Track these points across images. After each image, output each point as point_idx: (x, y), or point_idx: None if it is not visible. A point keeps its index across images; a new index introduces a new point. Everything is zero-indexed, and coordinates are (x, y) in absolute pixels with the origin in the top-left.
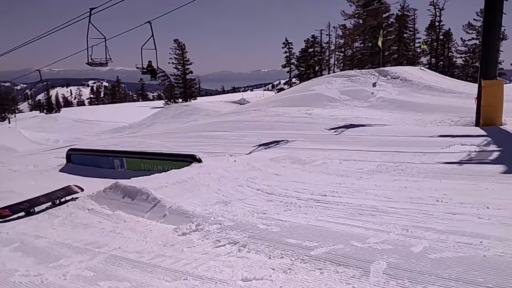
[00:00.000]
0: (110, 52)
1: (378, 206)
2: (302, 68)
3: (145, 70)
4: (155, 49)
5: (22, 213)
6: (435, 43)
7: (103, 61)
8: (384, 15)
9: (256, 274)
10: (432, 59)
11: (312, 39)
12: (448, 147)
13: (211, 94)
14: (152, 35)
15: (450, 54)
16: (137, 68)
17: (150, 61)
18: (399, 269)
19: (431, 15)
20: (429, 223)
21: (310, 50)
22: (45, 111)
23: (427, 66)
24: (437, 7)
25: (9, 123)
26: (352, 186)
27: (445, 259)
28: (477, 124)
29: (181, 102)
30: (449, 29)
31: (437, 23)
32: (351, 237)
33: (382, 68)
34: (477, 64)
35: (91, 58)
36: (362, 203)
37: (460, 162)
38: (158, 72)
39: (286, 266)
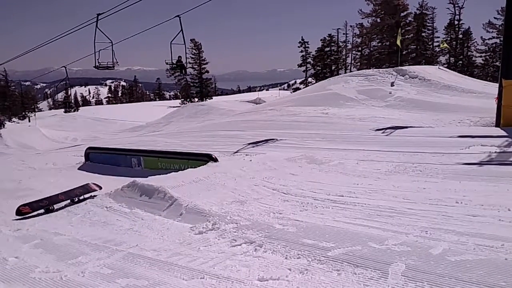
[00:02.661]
0: (128, 53)
1: (396, 207)
2: (318, 67)
3: (175, 66)
4: (184, 43)
5: (42, 210)
6: (454, 42)
7: (110, 64)
8: (402, 14)
9: (273, 274)
10: (451, 59)
11: (329, 38)
12: (468, 147)
13: (226, 94)
14: (181, 30)
15: (469, 53)
16: (166, 63)
17: (179, 57)
18: (418, 271)
19: (450, 13)
20: (449, 225)
21: (327, 49)
22: (72, 109)
23: (445, 65)
24: (456, 5)
25: (29, 121)
26: (370, 187)
27: (465, 262)
28: (497, 124)
29: (197, 101)
30: (469, 27)
31: (456, 22)
32: (369, 238)
33: (400, 67)
34: (497, 63)
35: (98, 62)
36: (380, 204)
37: (480, 163)
38: (187, 67)
39: (303, 266)
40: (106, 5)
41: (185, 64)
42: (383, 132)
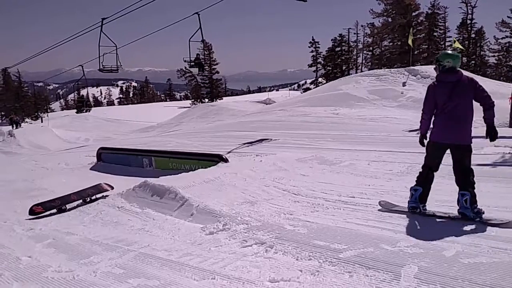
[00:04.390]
0: (139, 54)
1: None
2: (329, 68)
3: (193, 64)
4: (202, 41)
5: (54, 210)
6: (466, 42)
7: (114, 67)
8: (413, 14)
9: (284, 276)
10: (464, 58)
11: (340, 38)
12: (481, 148)
13: (237, 94)
14: (200, 27)
15: (482, 53)
16: (185, 61)
17: (198, 54)
18: (431, 274)
19: (462, 13)
20: (462, 226)
21: (338, 49)
22: (88, 108)
23: None
24: (469, 4)
25: (42, 122)
26: (382, 188)
27: (479, 264)
28: (511, 125)
29: (207, 102)
30: (482, 27)
31: (469, 21)
32: (380, 240)
33: (412, 67)
34: (511, 63)
35: (102, 65)
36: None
37: (494, 164)
38: (205, 65)
39: (314, 268)
40: (112, 9)
41: (203, 62)
42: (417, 133)
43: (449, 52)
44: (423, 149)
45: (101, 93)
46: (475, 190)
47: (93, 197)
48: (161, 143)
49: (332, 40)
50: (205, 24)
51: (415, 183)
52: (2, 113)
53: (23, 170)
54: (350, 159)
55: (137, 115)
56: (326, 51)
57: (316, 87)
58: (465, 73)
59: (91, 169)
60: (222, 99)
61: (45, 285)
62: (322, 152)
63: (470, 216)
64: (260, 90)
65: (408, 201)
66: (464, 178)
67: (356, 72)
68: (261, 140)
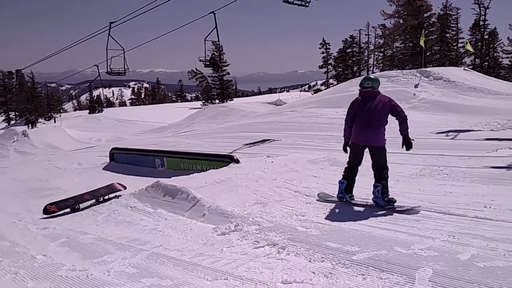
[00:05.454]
0: (151, 56)
1: (422, 212)
2: (339, 69)
3: (208, 63)
4: (218, 40)
5: (68, 210)
6: (479, 43)
7: (121, 70)
8: (425, 15)
9: (296, 277)
10: (477, 60)
11: (351, 39)
12: (495, 151)
13: (247, 95)
14: (216, 26)
15: (495, 54)
16: (200, 60)
17: (213, 54)
18: (445, 277)
19: (475, 14)
20: (477, 230)
21: (348, 50)
22: (102, 107)
23: (471, 66)
24: (482, 5)
25: (55, 122)
26: (394, 190)
27: (495, 268)
28: None
29: (218, 103)
30: (495, 28)
31: (481, 22)
32: (394, 243)
33: (424, 69)
34: None
35: (110, 68)
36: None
37: (509, 167)
38: (220, 65)
39: (327, 270)
40: (119, 13)
41: (218, 62)
42: (446, 135)
43: (371, 76)
44: (437, 152)
45: (113, 94)
46: (388, 183)
47: (106, 197)
48: (172, 144)
49: (343, 41)
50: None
51: (342, 177)
52: (16, 113)
53: (37, 169)
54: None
55: (148, 116)
56: (337, 52)
57: (326, 88)
58: (478, 74)
59: (104, 169)
60: (232, 100)
61: (59, 284)
62: (333, 154)
63: (381, 204)
64: (270, 91)
65: (337, 193)
66: (380, 173)
67: (367, 74)
68: (263, 141)
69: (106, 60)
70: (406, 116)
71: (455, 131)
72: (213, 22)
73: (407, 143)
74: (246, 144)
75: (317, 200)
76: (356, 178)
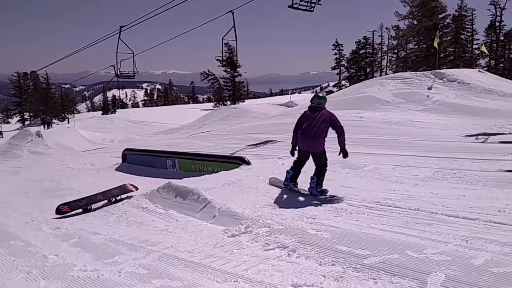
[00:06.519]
0: (163, 57)
1: (435, 215)
2: (352, 70)
3: (225, 62)
4: (236, 39)
5: (80, 210)
6: (495, 44)
7: (130, 73)
8: (440, 16)
9: (307, 280)
10: (492, 61)
11: (364, 41)
12: (510, 154)
13: (259, 97)
14: (234, 25)
15: (511, 55)
16: (217, 59)
17: (230, 53)
18: (458, 282)
19: (491, 15)
20: (491, 234)
21: (362, 51)
22: (114, 110)
23: (486, 68)
24: (498, 6)
25: (68, 123)
26: (407, 193)
27: (509, 274)
28: None
29: (229, 104)
30: (511, 29)
31: (497, 23)
32: (406, 247)
33: (438, 71)
34: None
35: (120, 71)
36: (418, 211)
37: None
38: (238, 65)
39: (338, 274)
40: (129, 16)
41: (236, 62)
42: (476, 139)
43: (319, 95)
44: (451, 154)
45: (126, 95)
46: (323, 178)
47: (118, 198)
48: (184, 145)
49: (356, 42)
50: (228, 27)
51: (290, 168)
52: (31, 114)
53: (51, 170)
54: (374, 163)
55: (161, 117)
56: (350, 53)
57: (339, 90)
58: (493, 76)
59: (116, 169)
60: (244, 101)
61: (71, 284)
62: None
63: (314, 193)
64: (282, 92)
65: (284, 180)
66: (318, 170)
67: (381, 75)
68: (265, 142)
69: (116, 63)
70: (343, 130)
71: (483, 134)
72: (230, 21)
73: (344, 153)
74: (256, 145)
75: (268, 184)
76: (365, 180)
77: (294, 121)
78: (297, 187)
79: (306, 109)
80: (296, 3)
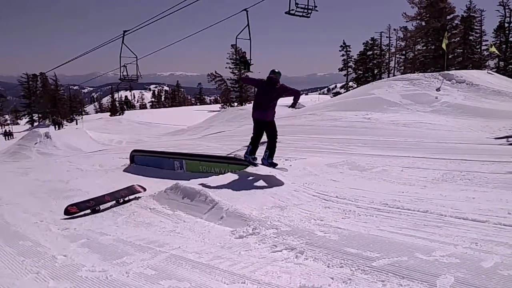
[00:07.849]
0: (171, 59)
1: (444, 217)
2: (360, 71)
3: (239, 62)
4: (250, 39)
5: (88, 211)
6: (504, 46)
7: (133, 77)
8: (448, 17)
9: (315, 283)
10: (501, 63)
11: (372, 42)
12: None
13: None
14: (248, 24)
15: None
16: (230, 58)
17: (244, 52)
18: (468, 285)
19: (500, 16)
20: (501, 237)
21: (369, 53)
22: (121, 112)
23: (495, 70)
24: (507, 7)
25: (77, 124)
26: (416, 195)
27: None
28: None
29: (236, 106)
30: None
31: (506, 24)
32: (415, 249)
33: (446, 72)
34: None
35: (123, 75)
36: (427, 214)
37: None
38: (251, 64)
39: (346, 276)
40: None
41: (250, 61)
42: (507, 141)
43: (275, 70)
44: (460, 156)
45: (134, 97)
46: (275, 150)
47: (126, 198)
48: (191, 146)
49: (363, 43)
50: (236, 28)
51: (249, 142)
52: (39, 115)
53: (59, 170)
54: (382, 165)
55: (168, 118)
56: (357, 55)
57: (346, 91)
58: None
59: (124, 171)
60: (251, 103)
61: (79, 284)
62: (353, 157)
63: (265, 163)
64: None
65: (244, 153)
66: (271, 141)
67: (388, 76)
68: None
69: (119, 67)
70: (298, 92)
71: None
72: (239, 22)
73: (294, 104)
74: (245, 146)
75: (256, 162)
76: (373, 182)
77: (302, 123)
78: (256, 159)
79: (264, 78)
80: (292, 10)
